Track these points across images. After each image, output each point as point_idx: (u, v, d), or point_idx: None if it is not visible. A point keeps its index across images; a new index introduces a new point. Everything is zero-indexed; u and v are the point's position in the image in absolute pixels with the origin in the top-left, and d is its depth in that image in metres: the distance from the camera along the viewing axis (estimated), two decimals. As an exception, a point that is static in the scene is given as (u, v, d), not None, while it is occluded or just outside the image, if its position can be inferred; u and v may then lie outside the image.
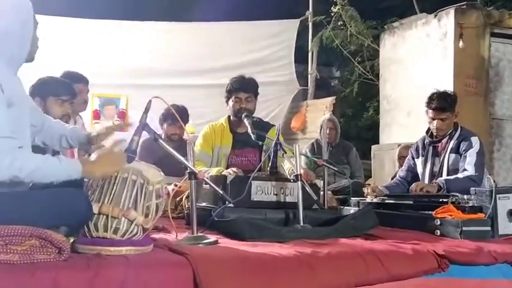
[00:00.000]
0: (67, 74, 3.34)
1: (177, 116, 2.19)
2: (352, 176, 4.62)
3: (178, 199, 2.72)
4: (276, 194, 2.30)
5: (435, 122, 3.15)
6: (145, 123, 1.83)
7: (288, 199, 2.32)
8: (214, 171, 2.75)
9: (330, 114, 5.10)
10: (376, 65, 6.93)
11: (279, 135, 2.49)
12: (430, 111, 3.16)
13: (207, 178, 1.96)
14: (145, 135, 1.90)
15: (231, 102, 3.04)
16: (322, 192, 2.56)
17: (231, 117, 3.10)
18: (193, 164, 1.89)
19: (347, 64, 8.21)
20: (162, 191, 1.74)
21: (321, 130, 4.53)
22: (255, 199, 2.26)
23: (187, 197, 2.60)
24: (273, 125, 3.17)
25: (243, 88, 3.00)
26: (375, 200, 2.78)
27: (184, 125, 3.69)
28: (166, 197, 1.90)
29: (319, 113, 6.51)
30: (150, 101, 1.81)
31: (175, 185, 2.74)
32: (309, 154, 4.52)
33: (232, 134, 3.08)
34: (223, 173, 2.64)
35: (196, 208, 1.87)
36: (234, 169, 2.64)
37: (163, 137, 3.65)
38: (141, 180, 1.69)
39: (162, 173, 1.80)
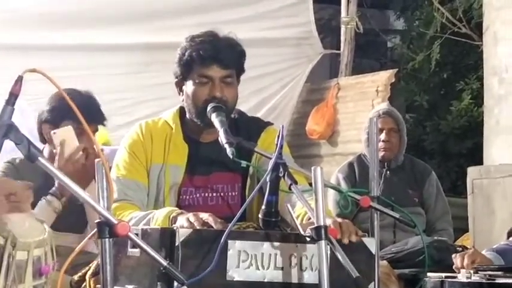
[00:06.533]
0: None
1: (77, 112, 2.13)
2: (430, 228, 4.65)
3: (77, 278, 2.71)
4: (281, 268, 2.31)
5: None
6: (11, 124, 1.84)
7: (304, 278, 2.32)
8: (160, 217, 2.74)
9: (387, 104, 5.15)
10: (477, 9, 7.00)
11: (281, 145, 2.49)
12: None
13: (136, 234, 1.97)
14: (10, 148, 1.91)
15: (189, 86, 3.06)
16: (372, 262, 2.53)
17: (187, 112, 3.13)
18: (109, 205, 1.90)
19: (418, 6, 8.29)
20: (46, 262, 1.78)
21: (367, 137, 4.54)
22: (235, 278, 2.27)
23: (95, 275, 2.59)
24: (269, 124, 3.20)
25: (219, 57, 3.01)
26: (475, 279, 2.79)
27: (96, 129, 3.68)
28: (54, 274, 1.90)
29: (364, 102, 6.55)
30: (20, 77, 1.83)
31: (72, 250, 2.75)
32: (342, 185, 4.56)
33: (187, 144, 3.11)
34: (174, 223, 2.60)
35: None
36: (206, 216, 2.57)
37: (47, 152, 3.60)
38: (0, 241, 1.71)
39: (46, 226, 1.84)
